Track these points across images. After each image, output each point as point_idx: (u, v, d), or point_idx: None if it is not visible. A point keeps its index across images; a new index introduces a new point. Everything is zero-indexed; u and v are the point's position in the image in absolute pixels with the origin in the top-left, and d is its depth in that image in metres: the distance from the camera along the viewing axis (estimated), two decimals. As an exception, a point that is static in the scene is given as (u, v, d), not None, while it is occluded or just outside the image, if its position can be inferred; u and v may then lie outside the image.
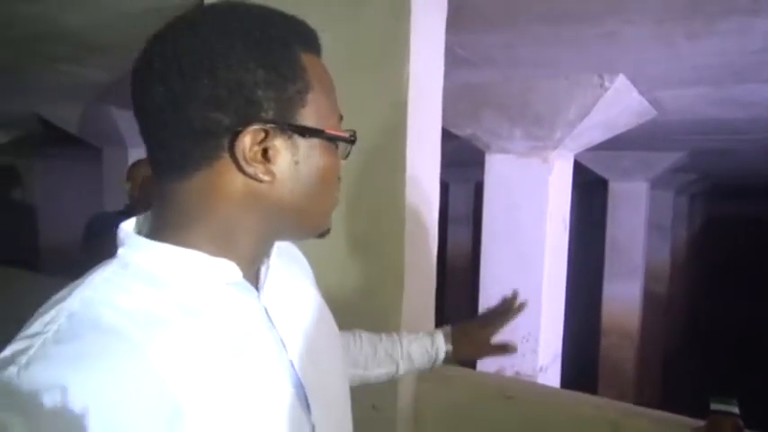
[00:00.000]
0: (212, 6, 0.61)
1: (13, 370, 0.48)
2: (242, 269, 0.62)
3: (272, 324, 0.65)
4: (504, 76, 2.81)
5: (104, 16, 2.19)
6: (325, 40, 0.68)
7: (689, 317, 10.98)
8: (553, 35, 2.15)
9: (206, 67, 0.56)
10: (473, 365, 2.86)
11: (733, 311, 11.89)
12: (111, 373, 0.50)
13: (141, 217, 0.66)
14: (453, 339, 1.13)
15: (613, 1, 1.79)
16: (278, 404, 0.62)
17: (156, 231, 0.62)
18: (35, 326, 0.52)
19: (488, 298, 3.05)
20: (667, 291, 8.03)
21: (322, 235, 0.70)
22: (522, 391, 1.59)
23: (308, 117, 0.61)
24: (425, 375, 1.64)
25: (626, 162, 5.83)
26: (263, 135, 0.58)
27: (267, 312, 0.65)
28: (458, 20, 1.79)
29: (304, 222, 0.66)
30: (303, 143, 0.61)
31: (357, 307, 0.90)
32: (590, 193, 10.01)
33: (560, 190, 3.09)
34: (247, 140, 0.58)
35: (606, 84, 2.61)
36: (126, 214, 2.26)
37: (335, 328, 0.82)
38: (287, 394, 0.63)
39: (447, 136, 2.07)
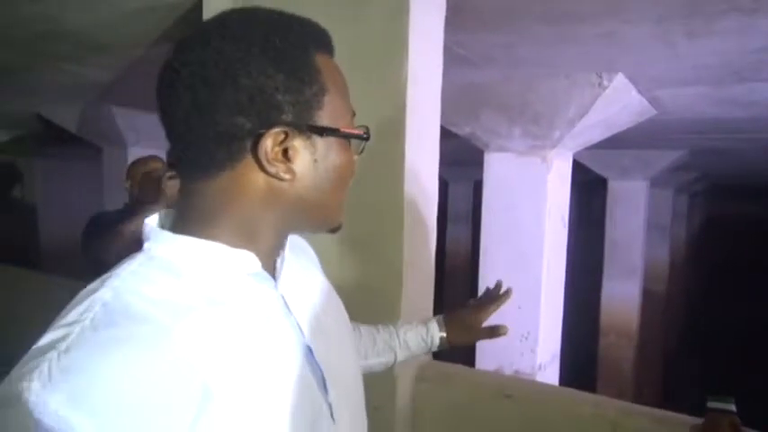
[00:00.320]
0: (231, 15, 0.65)
1: (53, 355, 0.51)
2: (260, 260, 0.66)
3: (289, 311, 0.69)
4: (504, 76, 2.82)
5: (104, 15, 2.20)
6: (325, 39, 0.69)
7: (688, 316, 10.99)
8: (552, 35, 2.15)
9: (229, 74, 0.60)
10: (468, 358, 2.87)
11: (732, 311, 11.88)
12: (146, 356, 0.53)
13: (162, 214, 0.69)
14: (447, 326, 1.19)
15: (612, 1, 1.79)
16: (299, 386, 0.65)
17: (179, 226, 0.65)
18: (71, 315, 0.55)
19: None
20: (666, 290, 8.02)
21: (334, 230, 0.73)
22: (520, 390, 1.59)
23: (324, 117, 0.65)
24: (424, 375, 1.65)
25: (625, 161, 5.83)
26: (283, 136, 0.62)
27: (284, 300, 0.69)
28: (457, 19, 1.79)
29: (321, 216, 0.71)
30: (321, 142, 0.65)
31: (356, 305, 0.91)
32: (589, 191, 10.01)
33: (559, 189, 3.09)
34: (269, 142, 0.61)
35: (605, 83, 2.61)
36: (126, 213, 2.29)
37: (345, 314, 0.86)
38: (307, 376, 0.67)
39: (446, 135, 2.07)
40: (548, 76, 2.73)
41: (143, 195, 2.28)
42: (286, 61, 0.62)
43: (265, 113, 0.61)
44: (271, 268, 0.69)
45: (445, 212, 9.60)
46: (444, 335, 1.18)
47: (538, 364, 2.94)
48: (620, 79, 2.63)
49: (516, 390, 1.58)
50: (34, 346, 0.53)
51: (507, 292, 1.23)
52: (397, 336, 1.14)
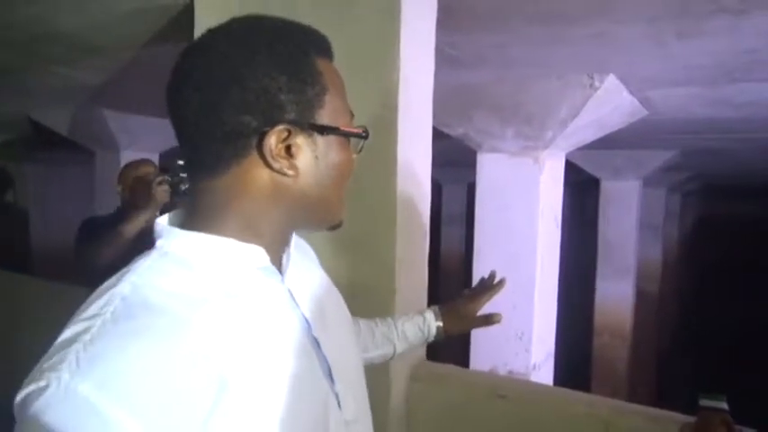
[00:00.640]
0: (237, 22, 0.69)
1: (79, 346, 0.54)
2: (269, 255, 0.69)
3: (296, 304, 0.72)
4: (496, 76, 2.82)
5: (97, 17, 2.19)
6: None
7: (681, 316, 11.02)
8: (544, 35, 2.15)
9: (235, 76, 0.64)
10: (462, 358, 2.88)
11: (725, 310, 11.93)
12: (164, 346, 0.56)
13: (172, 214, 0.73)
14: (443, 316, 1.22)
15: (603, 1, 1.80)
16: (309, 376, 0.68)
17: (188, 224, 0.68)
18: (91, 309, 0.58)
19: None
20: (659, 289, 8.05)
21: (335, 227, 0.76)
22: (514, 390, 1.59)
23: (325, 116, 0.68)
24: (418, 375, 1.65)
25: (618, 161, 5.85)
26: (286, 134, 0.66)
27: (291, 294, 0.72)
28: (449, 20, 1.80)
29: (323, 212, 0.74)
30: (321, 140, 0.69)
31: (349, 303, 0.92)
32: (582, 191, 10.03)
33: (552, 189, 3.10)
34: (273, 139, 0.65)
35: (596, 83, 2.62)
36: (118, 217, 2.28)
37: (346, 309, 0.89)
38: (315, 368, 0.70)
39: (439, 136, 2.08)
40: (540, 77, 2.74)
41: (135, 199, 2.27)
42: (289, 64, 0.66)
43: (269, 112, 0.64)
44: (277, 264, 0.72)
45: (439, 214, 9.62)
46: (441, 324, 1.20)
47: (532, 364, 2.95)
48: (611, 80, 2.64)
49: (510, 390, 1.58)
50: (57, 341, 0.56)
51: (501, 282, 1.26)
52: (395, 327, 1.17)
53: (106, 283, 0.63)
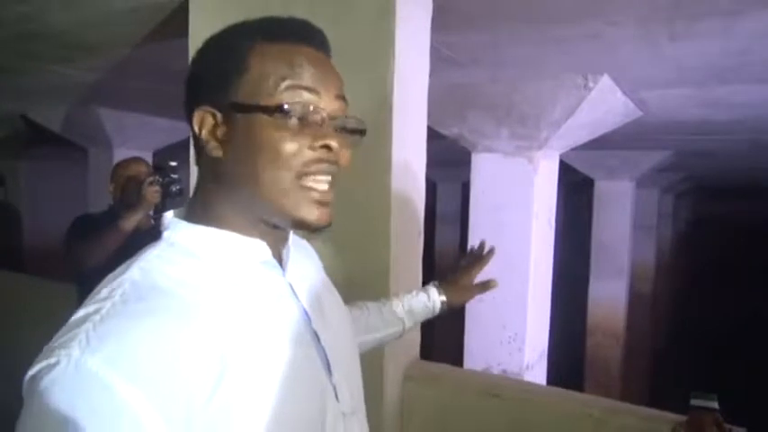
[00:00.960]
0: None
1: (89, 325, 0.56)
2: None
3: (297, 298, 0.73)
4: (490, 77, 2.83)
5: (90, 16, 2.18)
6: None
7: (674, 316, 11.08)
8: (538, 36, 2.16)
9: (190, 68, 0.72)
10: (456, 358, 2.89)
11: (718, 310, 12.00)
12: (172, 325, 0.58)
13: (180, 209, 0.76)
14: (444, 290, 1.25)
15: (597, 2, 1.80)
16: (307, 367, 0.70)
17: (188, 216, 0.72)
18: (102, 292, 0.61)
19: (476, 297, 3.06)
20: (652, 290, 8.09)
21: (316, 230, 0.70)
22: (508, 390, 1.60)
23: (245, 95, 0.67)
24: (411, 375, 1.65)
25: (612, 161, 5.87)
26: (210, 116, 0.68)
27: (292, 287, 0.73)
28: (444, 20, 1.80)
29: (269, 198, 0.67)
30: (243, 119, 0.67)
31: (344, 303, 0.93)
32: (576, 192, 10.06)
33: (546, 189, 3.11)
34: (196, 120, 0.68)
35: (590, 84, 2.63)
36: (109, 215, 2.27)
37: (344, 305, 0.91)
38: (314, 359, 0.72)
39: (434, 136, 2.08)
40: (534, 78, 2.74)
41: (127, 198, 2.26)
42: (221, 49, 0.69)
43: (194, 95, 0.70)
44: (277, 259, 0.74)
45: (434, 213, 9.62)
46: (444, 298, 1.24)
47: (525, 364, 2.95)
48: (605, 81, 2.65)
49: (503, 389, 1.59)
50: (70, 320, 0.59)
51: (491, 251, 1.31)
52: (402, 305, 1.20)
53: (115, 272, 0.65)
